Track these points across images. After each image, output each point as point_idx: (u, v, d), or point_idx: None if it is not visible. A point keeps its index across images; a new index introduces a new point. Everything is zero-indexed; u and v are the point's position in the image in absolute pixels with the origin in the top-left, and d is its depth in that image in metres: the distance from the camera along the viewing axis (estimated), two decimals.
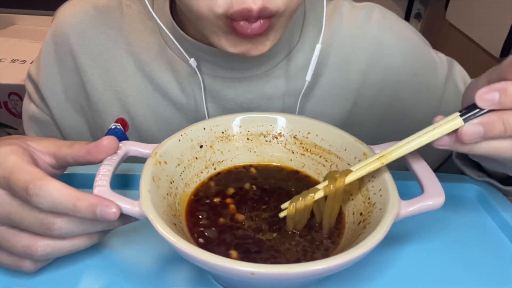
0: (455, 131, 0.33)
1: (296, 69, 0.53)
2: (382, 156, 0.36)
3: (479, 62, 1.55)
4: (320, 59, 0.53)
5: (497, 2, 1.40)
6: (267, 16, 0.40)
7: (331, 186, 0.36)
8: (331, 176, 0.37)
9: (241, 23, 0.40)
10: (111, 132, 0.55)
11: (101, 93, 0.55)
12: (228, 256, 0.34)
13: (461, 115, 0.33)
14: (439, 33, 1.85)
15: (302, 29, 0.54)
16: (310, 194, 0.37)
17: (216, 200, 0.40)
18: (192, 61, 0.50)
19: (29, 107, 0.60)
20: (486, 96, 0.32)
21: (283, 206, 0.38)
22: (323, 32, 0.50)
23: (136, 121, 0.56)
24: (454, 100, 0.57)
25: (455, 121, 0.33)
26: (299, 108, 0.54)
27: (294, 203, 0.37)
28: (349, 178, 0.37)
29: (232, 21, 0.40)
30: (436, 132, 0.34)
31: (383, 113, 0.57)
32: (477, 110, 0.32)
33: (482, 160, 0.42)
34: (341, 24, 0.55)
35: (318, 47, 0.50)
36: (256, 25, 0.40)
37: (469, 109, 0.33)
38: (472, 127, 0.32)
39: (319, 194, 0.37)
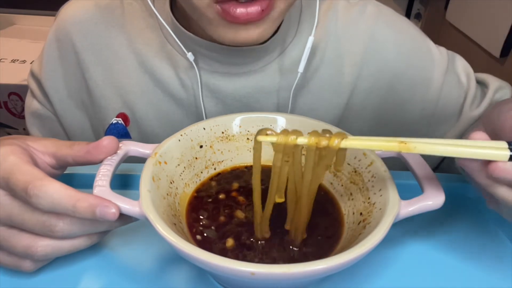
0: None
1: (292, 64, 0.54)
2: (404, 142, 0.31)
3: (479, 62, 1.55)
4: (315, 55, 0.54)
5: (497, 2, 1.40)
6: None
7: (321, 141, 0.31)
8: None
9: (232, 8, 0.40)
10: (112, 126, 0.56)
11: (103, 89, 0.56)
12: (224, 245, 0.35)
13: (510, 148, 0.29)
14: (439, 33, 1.85)
15: (298, 25, 0.54)
16: (292, 136, 0.33)
17: (216, 200, 0.40)
18: (189, 55, 0.50)
19: (31, 104, 0.60)
20: None
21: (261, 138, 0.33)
22: (316, 25, 0.51)
23: (137, 116, 0.56)
24: (455, 94, 0.57)
25: (501, 152, 0.29)
26: (296, 103, 0.55)
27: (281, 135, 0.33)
28: (350, 142, 0.32)
29: (223, 5, 0.40)
30: (476, 152, 0.29)
31: (378, 105, 0.58)
32: None
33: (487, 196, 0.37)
34: (336, 20, 0.55)
35: (311, 39, 0.51)
36: (254, 8, 0.40)
37: None
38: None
39: (303, 140, 0.32)
